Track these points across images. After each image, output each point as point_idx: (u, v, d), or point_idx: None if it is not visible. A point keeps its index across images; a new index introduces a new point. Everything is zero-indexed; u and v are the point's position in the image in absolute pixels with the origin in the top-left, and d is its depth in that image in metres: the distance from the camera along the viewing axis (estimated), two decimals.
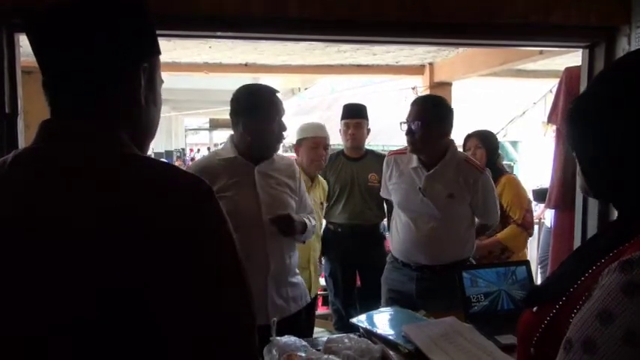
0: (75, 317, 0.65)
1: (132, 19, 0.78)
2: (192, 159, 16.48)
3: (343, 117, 3.27)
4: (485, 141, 3.14)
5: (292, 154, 3.29)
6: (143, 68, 0.79)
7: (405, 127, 2.33)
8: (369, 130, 3.32)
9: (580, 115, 0.83)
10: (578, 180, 0.88)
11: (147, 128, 0.85)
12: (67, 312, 0.65)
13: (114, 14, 0.76)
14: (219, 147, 2.30)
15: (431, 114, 2.29)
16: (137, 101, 0.80)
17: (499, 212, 2.56)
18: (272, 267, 1.98)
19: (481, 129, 3.36)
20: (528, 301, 0.89)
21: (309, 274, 2.79)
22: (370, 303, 2.71)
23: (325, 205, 3.11)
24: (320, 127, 3.04)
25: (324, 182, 3.12)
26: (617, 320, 0.64)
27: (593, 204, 2.22)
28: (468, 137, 3.24)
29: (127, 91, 0.79)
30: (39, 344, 0.66)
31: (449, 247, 2.37)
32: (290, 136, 3.49)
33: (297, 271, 2.21)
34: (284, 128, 2.04)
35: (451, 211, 2.35)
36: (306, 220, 2.14)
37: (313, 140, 2.93)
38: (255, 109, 1.97)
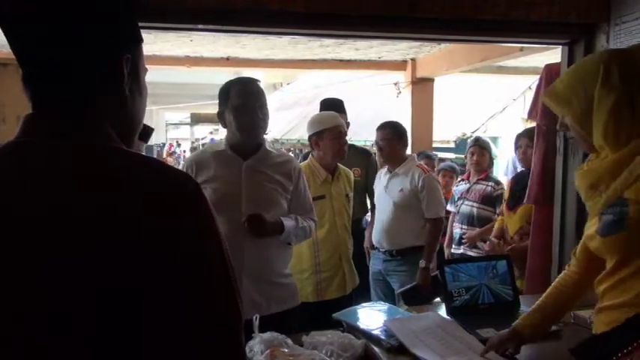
0: (57, 321, 0.63)
1: (109, 8, 0.75)
2: (172, 153, 16.45)
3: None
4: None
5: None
6: (125, 59, 0.77)
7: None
8: (348, 124, 3.31)
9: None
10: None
11: (133, 120, 0.82)
12: (46, 315, 0.63)
13: (90, 5, 0.73)
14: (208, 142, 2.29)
15: (386, 137, 3.09)
16: (121, 93, 0.78)
17: (441, 208, 3.03)
18: (247, 264, 1.93)
19: (532, 127, 3.13)
20: (579, 356, 0.89)
21: (343, 271, 2.71)
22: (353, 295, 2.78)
23: (352, 195, 2.90)
24: (337, 116, 2.88)
25: (348, 171, 2.92)
26: None
27: (572, 199, 2.25)
28: (519, 136, 3.10)
29: (110, 83, 0.77)
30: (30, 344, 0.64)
31: (403, 235, 3.01)
32: (272, 131, 3.45)
33: (287, 272, 2.13)
34: (267, 116, 2.06)
35: (402, 203, 2.99)
36: (288, 221, 2.04)
37: (336, 130, 2.74)
38: (236, 97, 2.00)
